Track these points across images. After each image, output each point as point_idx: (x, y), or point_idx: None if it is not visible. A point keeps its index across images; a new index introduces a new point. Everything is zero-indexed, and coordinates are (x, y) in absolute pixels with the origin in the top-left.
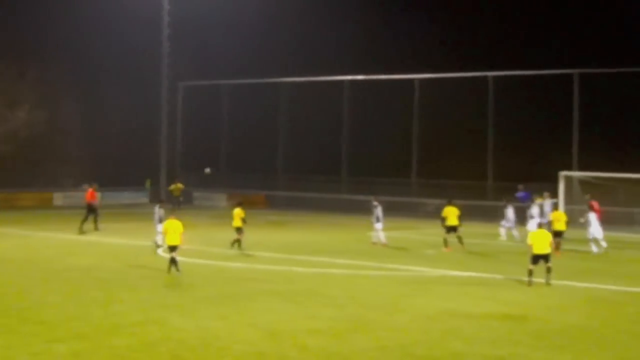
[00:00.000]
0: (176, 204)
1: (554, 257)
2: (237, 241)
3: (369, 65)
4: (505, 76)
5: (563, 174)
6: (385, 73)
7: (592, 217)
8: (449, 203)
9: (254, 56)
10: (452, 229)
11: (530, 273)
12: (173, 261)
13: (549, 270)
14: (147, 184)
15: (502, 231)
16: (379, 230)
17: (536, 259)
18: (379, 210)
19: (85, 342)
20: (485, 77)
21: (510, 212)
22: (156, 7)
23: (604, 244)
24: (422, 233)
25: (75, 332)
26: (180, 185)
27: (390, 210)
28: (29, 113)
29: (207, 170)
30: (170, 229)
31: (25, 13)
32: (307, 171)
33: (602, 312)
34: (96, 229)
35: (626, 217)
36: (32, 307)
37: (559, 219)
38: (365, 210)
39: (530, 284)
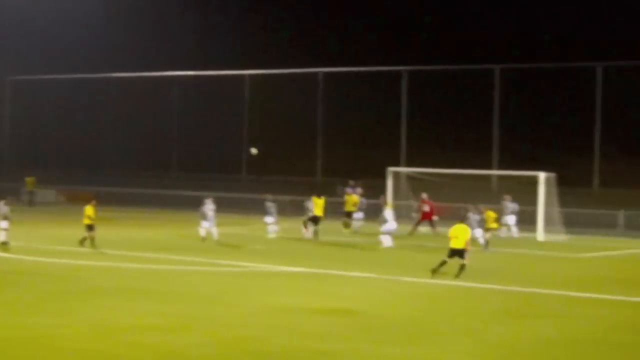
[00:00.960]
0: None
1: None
2: (87, 239)
3: (200, 60)
4: (335, 72)
5: (391, 169)
6: (216, 69)
7: (388, 213)
8: (318, 196)
9: (84, 51)
10: (315, 220)
11: (443, 264)
12: None
13: (462, 267)
14: None
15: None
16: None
17: (453, 253)
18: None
19: None
20: (316, 74)
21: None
22: None
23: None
24: (252, 229)
25: None
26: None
27: (221, 206)
28: None
29: (254, 150)
30: None
31: None
32: (137, 167)
33: (426, 305)
34: None
35: (454, 212)
36: None
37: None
38: (194, 206)
39: (434, 273)
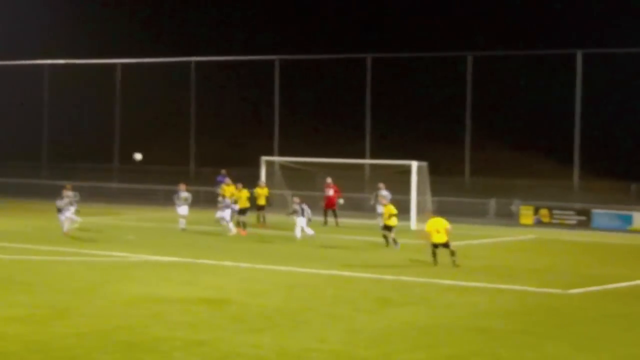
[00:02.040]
0: None
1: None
2: None
3: (70, 48)
4: (209, 61)
5: (264, 158)
6: (87, 57)
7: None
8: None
9: None
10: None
11: (435, 254)
12: None
13: (453, 253)
14: None
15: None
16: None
17: (436, 247)
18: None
19: None
20: (189, 63)
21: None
22: None
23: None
24: (122, 219)
25: None
26: None
27: (92, 196)
28: None
29: (138, 156)
30: None
31: None
32: (5, 156)
33: (301, 294)
34: None
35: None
36: None
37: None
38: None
39: (436, 264)
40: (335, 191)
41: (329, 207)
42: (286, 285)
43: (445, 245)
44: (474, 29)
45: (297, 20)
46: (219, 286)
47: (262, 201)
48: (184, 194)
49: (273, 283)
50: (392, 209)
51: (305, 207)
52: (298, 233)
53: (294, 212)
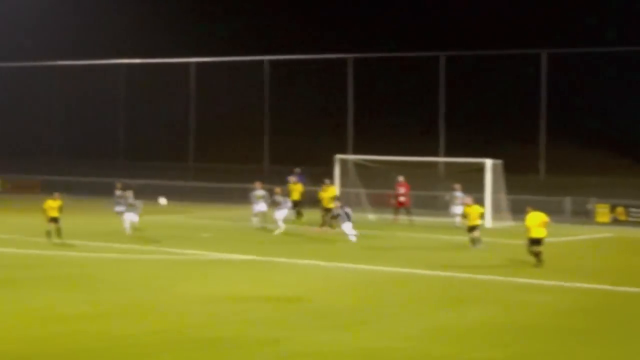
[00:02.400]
0: None
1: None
2: (55, 230)
3: (147, 49)
4: (282, 60)
5: (338, 157)
6: (162, 57)
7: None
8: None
9: (30, 39)
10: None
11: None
12: None
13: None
14: None
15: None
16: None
17: (535, 242)
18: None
19: None
20: (262, 62)
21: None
22: None
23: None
24: (197, 217)
25: None
26: None
27: (167, 195)
28: None
29: (163, 201)
30: None
31: None
32: (85, 155)
33: (378, 292)
34: None
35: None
36: None
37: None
38: (141, 194)
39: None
40: (407, 190)
41: (401, 205)
42: (363, 282)
43: (541, 241)
44: (549, 26)
45: (368, 18)
46: (294, 284)
47: (296, 196)
48: (260, 192)
49: (350, 281)
50: (480, 209)
51: (348, 210)
52: (351, 237)
53: (337, 216)
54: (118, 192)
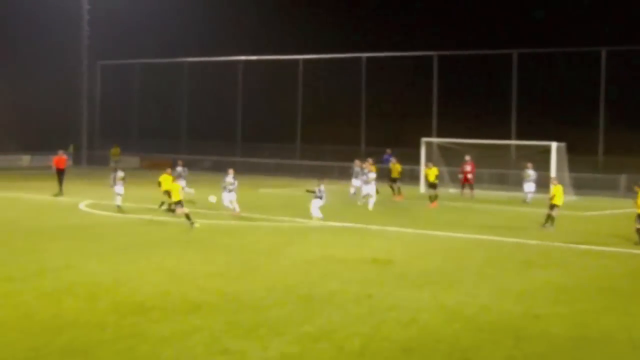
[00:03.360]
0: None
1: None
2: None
3: (261, 46)
4: (377, 57)
5: (424, 139)
6: (273, 54)
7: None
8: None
9: (162, 38)
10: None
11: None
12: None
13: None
14: (71, 148)
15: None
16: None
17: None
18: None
19: (13, 284)
20: (360, 58)
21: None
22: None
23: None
24: (303, 190)
25: (3, 275)
26: (117, 149)
27: (278, 171)
28: None
29: (213, 198)
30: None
31: None
32: (208, 137)
33: (455, 256)
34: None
35: (477, 176)
36: None
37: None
38: (257, 170)
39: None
40: (472, 168)
41: (466, 181)
42: (442, 248)
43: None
44: (608, 25)
45: (451, 21)
46: (384, 248)
47: (395, 174)
48: (357, 169)
49: (431, 246)
50: (560, 189)
51: (323, 191)
52: (314, 212)
53: (313, 192)
54: (179, 169)
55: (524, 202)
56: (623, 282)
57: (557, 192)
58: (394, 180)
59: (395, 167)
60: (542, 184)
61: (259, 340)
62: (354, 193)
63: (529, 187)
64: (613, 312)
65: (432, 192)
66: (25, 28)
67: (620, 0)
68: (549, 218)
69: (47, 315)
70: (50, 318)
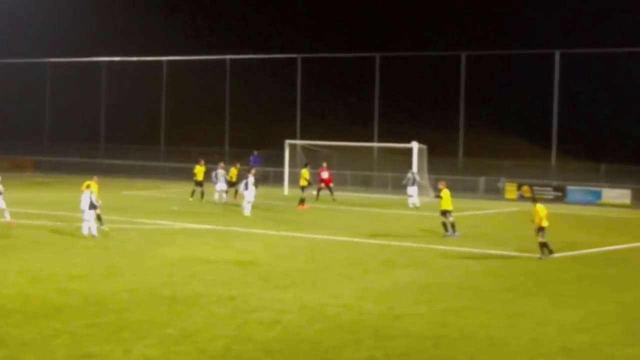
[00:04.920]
0: None
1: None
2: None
3: (125, 47)
4: (242, 59)
5: (288, 142)
6: (138, 55)
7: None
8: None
9: (23, 37)
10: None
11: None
12: None
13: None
14: None
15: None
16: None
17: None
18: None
19: None
20: (224, 60)
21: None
22: None
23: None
24: (167, 192)
25: None
26: None
27: (143, 173)
28: None
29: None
30: None
31: None
32: (72, 139)
33: (318, 257)
34: None
35: (338, 178)
36: None
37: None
38: (121, 172)
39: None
40: (329, 175)
41: (326, 185)
42: (306, 249)
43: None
44: (467, 30)
45: (316, 22)
46: (248, 250)
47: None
48: (222, 171)
49: (295, 247)
50: (448, 193)
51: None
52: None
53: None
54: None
55: (414, 206)
56: (481, 281)
57: (446, 197)
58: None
59: (201, 169)
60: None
61: (121, 343)
62: (218, 198)
63: (412, 190)
64: (472, 311)
65: (302, 194)
66: None
67: (480, 7)
68: (444, 226)
69: None
70: None
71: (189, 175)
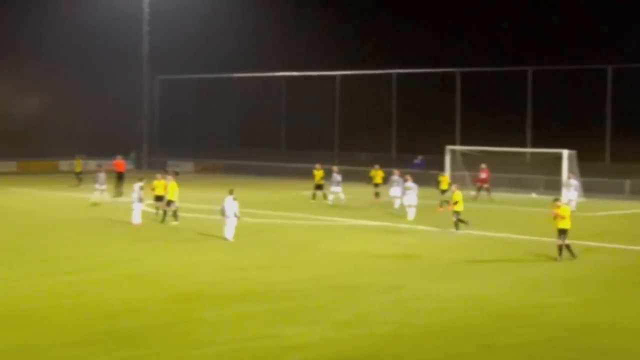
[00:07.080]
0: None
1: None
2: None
3: (301, 63)
4: (406, 74)
5: (449, 147)
6: (311, 70)
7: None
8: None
9: (213, 55)
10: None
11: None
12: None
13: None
14: (132, 155)
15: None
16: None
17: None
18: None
19: (81, 275)
20: (390, 75)
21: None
22: (137, 9)
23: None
24: (348, 192)
25: (73, 268)
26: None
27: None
28: (40, 100)
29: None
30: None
31: (33, 13)
32: (257, 144)
33: (471, 251)
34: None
35: (496, 180)
36: (33, 247)
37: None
38: (299, 175)
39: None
40: (487, 175)
41: (482, 184)
42: (459, 244)
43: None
44: (613, 43)
45: (472, 38)
46: (413, 245)
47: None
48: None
49: (454, 243)
50: (461, 195)
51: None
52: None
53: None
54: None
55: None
56: (621, 275)
57: (458, 199)
58: (376, 185)
59: (378, 173)
60: (552, 186)
61: (301, 326)
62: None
63: (572, 195)
64: (613, 302)
65: (442, 197)
66: (91, 48)
67: (630, 21)
68: (456, 223)
69: (112, 302)
70: (115, 304)
71: (358, 177)
